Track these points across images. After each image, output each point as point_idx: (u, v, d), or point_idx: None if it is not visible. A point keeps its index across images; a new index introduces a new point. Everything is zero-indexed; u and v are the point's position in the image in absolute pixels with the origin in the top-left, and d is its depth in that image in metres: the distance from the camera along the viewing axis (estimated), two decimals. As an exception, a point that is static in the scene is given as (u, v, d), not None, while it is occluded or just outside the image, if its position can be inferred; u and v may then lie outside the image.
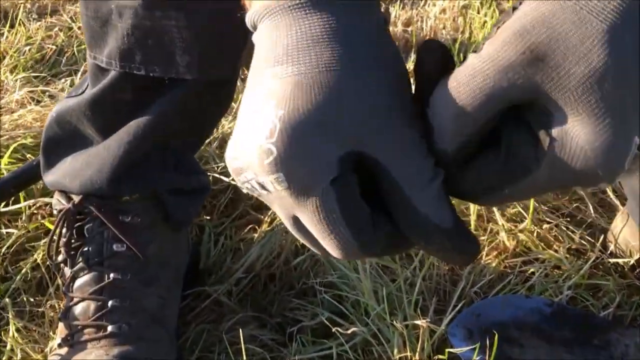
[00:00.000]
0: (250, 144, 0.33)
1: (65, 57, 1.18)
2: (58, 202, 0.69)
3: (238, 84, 0.73)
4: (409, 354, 0.66)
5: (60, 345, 0.66)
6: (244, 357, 0.63)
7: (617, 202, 0.86)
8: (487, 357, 0.63)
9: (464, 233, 0.35)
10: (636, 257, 0.77)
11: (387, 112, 0.33)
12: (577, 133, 0.30)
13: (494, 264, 0.79)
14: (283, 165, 0.33)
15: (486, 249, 0.80)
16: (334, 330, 0.68)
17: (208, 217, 0.88)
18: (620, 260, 0.78)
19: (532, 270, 0.77)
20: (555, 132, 0.31)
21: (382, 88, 0.33)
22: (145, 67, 0.61)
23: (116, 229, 0.68)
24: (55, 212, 0.70)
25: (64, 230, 0.67)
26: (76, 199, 0.67)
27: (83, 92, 0.67)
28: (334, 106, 0.33)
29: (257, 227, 0.86)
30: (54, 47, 1.19)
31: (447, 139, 0.33)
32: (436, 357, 0.66)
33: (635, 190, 0.75)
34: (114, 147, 0.65)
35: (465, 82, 0.32)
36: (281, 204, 0.35)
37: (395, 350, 0.66)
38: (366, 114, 0.33)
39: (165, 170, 0.71)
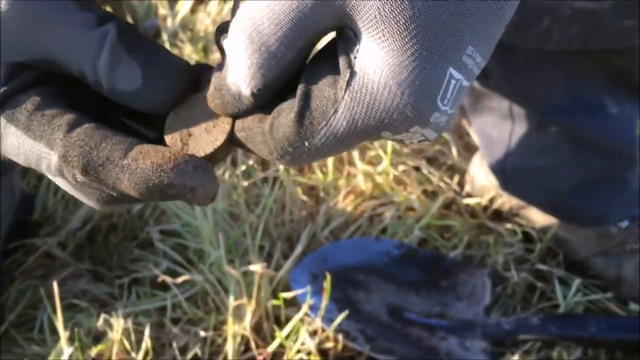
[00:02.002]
0: None
1: None
2: None
3: None
4: (245, 300, 0.62)
5: None
6: (59, 313, 0.57)
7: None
8: (322, 299, 0.60)
9: (159, 90, 0.28)
10: (488, 197, 0.76)
11: None
12: (381, 65, 0.25)
13: (349, 208, 0.76)
14: None
15: (342, 192, 0.77)
16: (160, 279, 0.63)
17: (48, 166, 0.81)
18: (471, 201, 0.77)
19: (386, 213, 0.75)
20: (358, 65, 0.26)
21: None
22: None
23: None
24: None
25: None
26: None
27: None
28: None
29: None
30: None
31: (244, 78, 0.27)
32: (270, 303, 0.63)
33: (483, 130, 0.74)
34: None
35: (265, 4, 0.26)
36: None
37: (231, 298, 0.62)
38: None
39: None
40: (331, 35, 0.27)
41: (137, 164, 0.27)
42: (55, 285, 0.59)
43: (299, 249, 0.66)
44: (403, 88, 0.25)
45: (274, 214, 0.73)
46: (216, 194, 0.28)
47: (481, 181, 0.77)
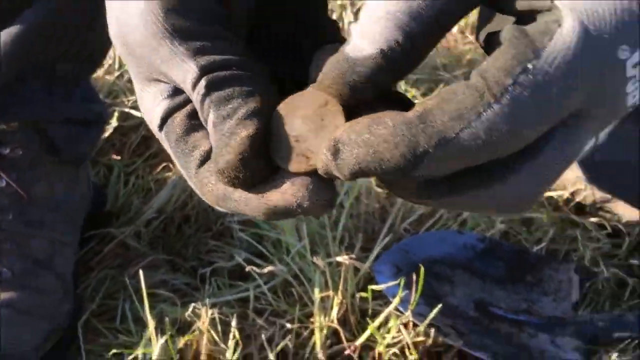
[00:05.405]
0: None
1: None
2: None
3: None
4: (331, 293, 0.61)
5: None
6: (146, 303, 0.56)
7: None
8: (413, 293, 0.58)
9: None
10: (571, 190, 0.74)
11: None
12: None
13: (425, 200, 0.74)
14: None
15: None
16: (247, 269, 0.62)
17: (117, 157, 0.80)
18: (554, 194, 0.74)
19: (464, 205, 0.73)
20: None
21: None
22: None
23: (-8, 161, 0.59)
24: None
25: None
26: (-60, 125, 0.58)
27: None
28: None
29: (171, 165, 0.78)
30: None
31: (372, 35, 0.24)
32: (359, 295, 0.61)
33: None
34: (-24, 64, 0.56)
35: None
36: None
37: (317, 290, 0.61)
38: None
39: (51, 98, 0.62)
40: None
41: (245, 196, 0.26)
42: (141, 274, 0.57)
43: (384, 240, 0.64)
44: None
45: (350, 206, 0.72)
46: (329, 202, 0.26)
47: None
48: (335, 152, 0.24)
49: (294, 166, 0.26)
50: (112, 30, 0.29)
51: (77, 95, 0.65)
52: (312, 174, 0.26)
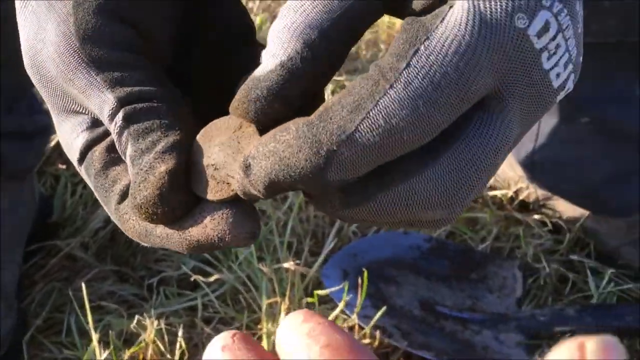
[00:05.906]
0: None
1: None
2: None
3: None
4: (278, 299, 0.61)
5: None
6: (89, 316, 0.56)
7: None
8: (358, 296, 0.59)
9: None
10: (514, 189, 0.76)
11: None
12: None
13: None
14: None
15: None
16: (192, 278, 0.62)
17: (64, 166, 0.79)
18: (498, 193, 0.76)
19: (411, 206, 0.74)
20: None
21: None
22: None
23: None
24: None
25: None
26: None
27: None
28: None
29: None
30: None
31: (275, 49, 0.23)
32: (305, 300, 0.62)
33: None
34: None
35: None
36: None
37: (264, 297, 0.61)
38: None
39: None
40: None
41: (166, 232, 0.26)
42: (83, 286, 0.57)
43: (329, 245, 0.65)
44: None
45: (298, 210, 0.72)
46: (251, 234, 0.25)
47: (505, 172, 0.77)
48: (247, 168, 0.23)
49: (216, 195, 0.25)
50: (25, 60, 0.27)
51: (21, 108, 0.64)
52: (234, 202, 0.25)
